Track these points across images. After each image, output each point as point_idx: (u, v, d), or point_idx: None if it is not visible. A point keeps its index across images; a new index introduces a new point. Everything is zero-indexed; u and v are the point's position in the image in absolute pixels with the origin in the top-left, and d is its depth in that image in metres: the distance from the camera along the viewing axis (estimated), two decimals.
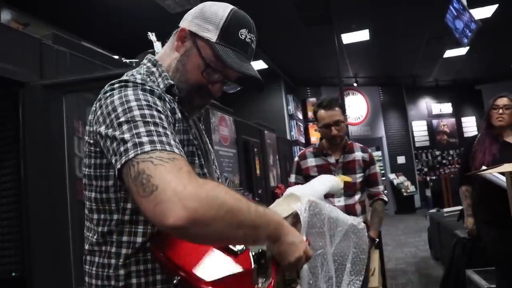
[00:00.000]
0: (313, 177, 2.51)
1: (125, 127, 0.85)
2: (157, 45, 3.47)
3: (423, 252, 6.53)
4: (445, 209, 5.41)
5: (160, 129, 0.86)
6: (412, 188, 12.30)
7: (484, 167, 2.64)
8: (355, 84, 12.11)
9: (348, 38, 8.45)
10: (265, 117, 8.90)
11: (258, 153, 6.23)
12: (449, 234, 4.03)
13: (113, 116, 0.89)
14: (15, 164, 2.34)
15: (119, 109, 0.89)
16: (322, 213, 1.36)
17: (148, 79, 1.05)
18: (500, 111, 2.89)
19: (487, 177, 2.53)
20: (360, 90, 12.76)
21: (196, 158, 1.06)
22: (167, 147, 0.82)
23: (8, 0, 5.56)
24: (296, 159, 2.70)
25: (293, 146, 9.83)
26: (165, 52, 1.15)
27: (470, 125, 14.35)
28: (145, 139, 0.82)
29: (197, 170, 1.05)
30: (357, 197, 2.50)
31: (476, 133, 11.49)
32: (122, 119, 0.87)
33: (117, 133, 0.86)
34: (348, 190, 2.46)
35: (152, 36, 3.54)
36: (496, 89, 13.31)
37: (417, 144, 13.80)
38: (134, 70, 1.10)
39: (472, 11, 6.80)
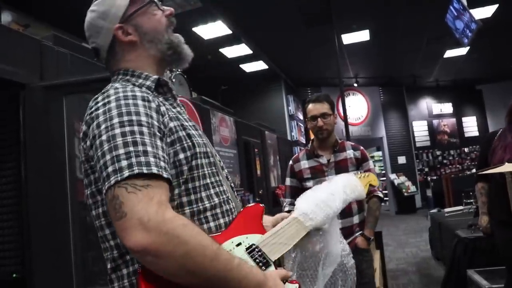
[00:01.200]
0: (307, 179, 2.52)
1: (106, 147, 0.89)
2: None
3: (424, 252, 6.53)
4: (446, 209, 5.41)
5: (140, 147, 0.88)
6: (413, 188, 12.29)
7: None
8: (355, 85, 12.11)
9: (349, 38, 8.46)
10: (265, 117, 8.89)
11: (258, 153, 6.23)
12: (450, 234, 4.02)
13: (96, 133, 0.92)
14: (15, 166, 2.33)
15: (102, 127, 0.92)
16: (317, 254, 1.29)
17: (127, 85, 1.06)
18: None
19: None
20: (361, 91, 12.76)
21: (193, 139, 1.05)
22: (145, 169, 0.86)
23: (8, 2, 5.56)
24: (290, 162, 2.71)
25: (293, 147, 9.82)
26: (124, 64, 1.15)
27: (470, 125, 14.35)
28: (124, 163, 0.86)
29: (198, 149, 1.04)
30: None
31: (477, 133, 11.40)
32: (103, 137, 0.90)
33: (99, 153, 0.90)
34: None
35: None
36: (497, 89, 13.39)
37: (417, 144, 13.79)
38: (110, 84, 1.10)
39: (472, 11, 6.80)
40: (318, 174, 2.53)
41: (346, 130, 6.78)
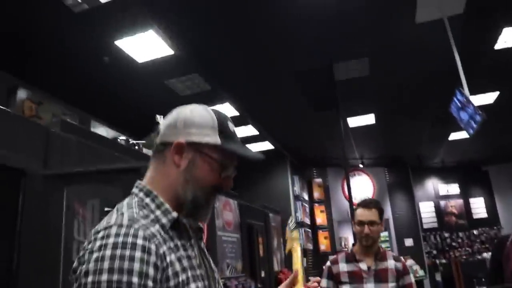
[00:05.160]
0: (344, 283, 2.49)
1: None
2: None
3: None
4: None
5: None
6: (421, 273, 11.83)
7: None
8: (361, 165, 12.12)
9: (354, 121, 8.60)
10: (270, 198, 8.83)
11: (262, 237, 6.10)
12: None
13: (83, 282, 0.87)
14: (8, 251, 2.24)
15: (89, 279, 0.86)
16: None
17: (141, 214, 1.00)
18: None
19: None
20: (366, 171, 12.74)
21: None
22: None
23: (22, 78, 5.76)
24: (328, 264, 2.68)
25: (298, 228, 9.62)
26: (156, 175, 1.10)
27: (478, 206, 14.11)
28: None
29: None
30: None
31: (485, 215, 11.26)
32: None
33: None
34: None
35: (160, 119, 3.58)
36: (503, 170, 13.38)
37: (425, 226, 13.50)
38: (125, 202, 1.05)
39: (475, 97, 6.99)
40: (357, 280, 2.49)
41: (351, 211, 6.67)
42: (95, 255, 0.88)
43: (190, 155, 1.07)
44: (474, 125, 4.38)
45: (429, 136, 9.89)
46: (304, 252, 10.02)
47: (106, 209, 3.01)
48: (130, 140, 4.28)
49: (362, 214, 2.54)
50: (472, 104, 4.31)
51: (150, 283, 0.88)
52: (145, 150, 4.31)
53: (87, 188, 2.72)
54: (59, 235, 2.40)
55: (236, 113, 7.42)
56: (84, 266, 0.88)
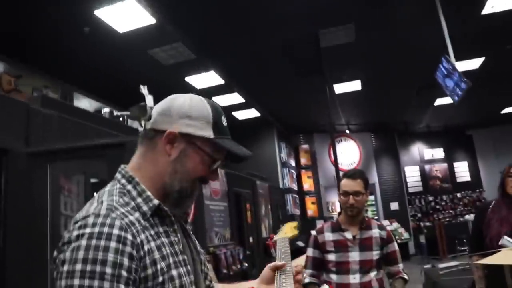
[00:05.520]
0: (330, 252, 2.52)
1: None
2: (148, 98, 3.45)
3: None
4: (440, 265, 5.27)
5: None
6: (406, 235, 12.15)
7: (505, 238, 2.54)
8: (347, 131, 12.19)
9: (340, 88, 8.57)
10: (257, 165, 8.84)
11: (249, 205, 6.15)
12: None
13: (60, 270, 0.88)
14: None
15: (65, 268, 0.87)
16: None
17: (121, 201, 0.99)
18: None
19: (504, 244, 2.43)
20: (353, 137, 12.83)
21: (185, 278, 1.01)
22: None
23: (0, 51, 5.59)
24: (314, 233, 2.69)
25: (285, 194, 9.74)
26: (143, 161, 1.08)
27: (462, 170, 14.40)
28: None
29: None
30: (372, 274, 2.45)
31: (469, 178, 11.46)
32: (63, 282, 0.87)
33: None
34: (364, 266, 2.44)
35: (144, 90, 3.53)
36: (487, 134, 13.59)
37: (410, 190, 13.78)
38: (107, 189, 1.03)
39: (461, 63, 6.99)
40: (342, 249, 2.51)
41: (337, 176, 6.75)
42: (72, 245, 0.89)
43: (182, 145, 1.06)
44: (459, 92, 4.40)
45: (415, 102, 9.94)
46: (292, 218, 10.16)
47: (92, 180, 3.01)
48: (114, 111, 4.22)
49: (347, 184, 2.55)
50: (458, 72, 4.32)
51: (124, 273, 0.88)
52: (129, 122, 4.27)
53: (72, 164, 2.71)
54: (45, 211, 2.39)
55: (222, 81, 7.35)
56: (62, 255, 0.89)
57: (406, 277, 2.54)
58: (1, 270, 2.20)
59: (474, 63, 7.73)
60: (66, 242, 0.90)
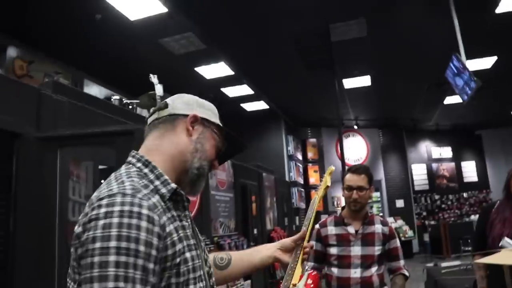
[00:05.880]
0: (332, 245, 2.54)
1: (95, 272, 0.86)
2: (158, 87, 3.48)
3: None
4: (443, 264, 5.29)
5: (129, 286, 0.86)
6: (410, 233, 12.15)
7: (505, 239, 2.55)
8: (355, 126, 12.16)
9: (350, 83, 8.55)
10: (264, 157, 8.86)
11: (255, 196, 6.17)
12: None
13: (90, 248, 0.88)
14: (4, 218, 2.28)
15: (97, 245, 0.87)
16: None
17: (141, 183, 1.02)
18: None
19: (504, 245, 2.44)
20: (360, 132, 12.80)
21: (190, 263, 1.04)
22: None
23: (14, 36, 5.64)
24: (317, 226, 2.70)
25: (291, 187, 9.76)
26: (161, 142, 1.14)
27: (469, 170, 14.33)
28: None
29: (190, 275, 1.03)
30: (373, 269, 2.46)
31: (476, 179, 11.39)
32: (95, 259, 0.86)
33: (87, 274, 0.86)
34: (366, 261, 2.45)
35: (153, 79, 3.54)
36: (496, 135, 13.51)
37: (416, 188, 13.74)
38: (123, 171, 1.06)
39: (473, 61, 6.93)
40: (344, 243, 2.53)
41: (344, 171, 6.75)
42: (101, 221, 0.89)
43: (200, 128, 1.17)
44: (469, 92, 4.38)
45: (425, 99, 9.88)
46: (297, 211, 10.19)
47: (100, 167, 3.04)
48: (123, 99, 4.25)
49: (351, 179, 2.56)
50: (468, 70, 4.29)
51: (154, 252, 0.91)
52: (139, 110, 4.29)
53: (81, 150, 2.74)
54: (54, 196, 2.43)
55: (231, 72, 7.36)
56: (91, 232, 0.89)
57: (407, 273, 2.56)
58: (11, 252, 2.25)
59: (486, 62, 7.66)
60: (93, 219, 0.91)
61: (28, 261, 2.27)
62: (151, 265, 0.91)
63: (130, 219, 0.90)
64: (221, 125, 1.23)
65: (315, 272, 1.55)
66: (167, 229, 0.97)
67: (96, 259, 0.86)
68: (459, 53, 4.62)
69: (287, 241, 1.48)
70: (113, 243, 0.87)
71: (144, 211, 0.93)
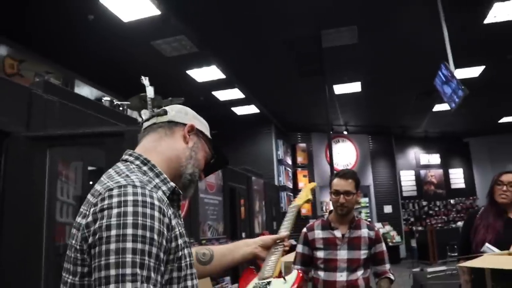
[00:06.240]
0: (319, 249, 2.56)
1: (112, 259, 0.86)
2: (149, 89, 3.49)
3: None
4: (429, 269, 5.35)
5: (145, 272, 0.87)
6: (397, 238, 12.23)
7: (486, 245, 2.60)
8: (345, 132, 12.24)
9: (340, 89, 8.61)
10: (254, 161, 8.90)
11: (244, 201, 6.19)
12: None
13: (104, 236, 0.89)
14: None
15: (113, 232, 0.88)
16: None
17: (145, 178, 1.04)
18: (504, 187, 2.74)
19: (485, 251, 2.49)
20: (350, 138, 12.89)
21: (188, 259, 1.06)
22: None
23: (4, 34, 5.61)
24: (304, 230, 2.72)
25: (280, 192, 9.79)
26: (159, 145, 1.18)
27: (457, 177, 14.49)
28: (128, 285, 0.84)
29: (188, 271, 1.05)
30: (359, 272, 2.49)
31: (463, 185, 11.50)
32: (112, 246, 0.87)
33: (102, 261, 0.87)
34: (352, 265, 2.47)
35: (145, 80, 3.55)
36: (483, 143, 13.65)
37: (404, 194, 13.85)
38: (123, 167, 1.08)
39: (461, 70, 7.04)
40: (330, 246, 2.55)
41: (332, 177, 6.78)
42: (115, 210, 0.90)
43: (195, 138, 1.25)
44: (457, 100, 4.45)
45: (414, 107, 9.99)
46: (285, 215, 10.19)
47: (89, 168, 3.04)
48: (114, 101, 4.25)
49: (338, 184, 2.58)
50: (456, 79, 4.37)
51: (164, 242, 0.94)
52: (129, 112, 4.29)
53: (71, 150, 2.74)
54: (42, 195, 2.43)
55: (223, 76, 7.38)
56: (104, 220, 0.90)
57: (392, 277, 2.58)
58: None
59: (474, 71, 7.78)
60: (106, 208, 0.92)
61: (14, 260, 2.27)
62: (161, 255, 0.93)
63: (144, 208, 0.92)
64: (209, 137, 1.32)
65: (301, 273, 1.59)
66: (173, 222, 1.00)
67: (113, 246, 0.87)
68: (448, 62, 4.70)
69: (268, 238, 1.57)
70: (129, 231, 0.88)
71: (156, 202, 0.95)
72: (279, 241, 1.56)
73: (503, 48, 6.90)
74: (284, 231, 1.62)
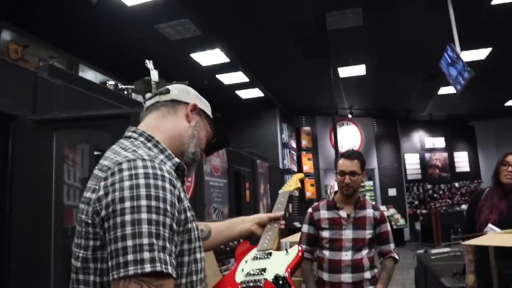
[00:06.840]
0: (324, 229, 2.59)
1: (128, 230, 0.87)
2: (153, 73, 3.49)
3: None
4: (433, 251, 5.39)
5: (160, 242, 0.88)
6: (402, 221, 12.28)
7: (489, 225, 2.62)
8: (349, 115, 12.20)
9: (345, 72, 8.57)
10: (258, 145, 8.92)
11: (249, 183, 6.22)
12: (435, 281, 4.01)
13: (118, 208, 0.89)
14: (0, 199, 2.31)
15: (127, 204, 0.89)
16: None
17: (152, 154, 1.05)
18: (510, 168, 2.76)
19: (488, 231, 2.51)
20: (355, 121, 12.85)
21: (196, 232, 1.07)
22: (162, 267, 0.87)
23: (8, 20, 5.59)
24: (310, 210, 2.75)
25: (285, 175, 9.82)
26: (162, 123, 1.19)
27: (462, 160, 14.46)
28: (146, 255, 0.85)
29: (196, 244, 1.06)
30: (364, 252, 2.52)
31: (468, 169, 11.50)
32: (127, 217, 0.88)
33: (118, 233, 0.87)
34: (356, 244, 2.50)
35: (149, 64, 3.55)
36: (489, 126, 13.58)
37: (409, 177, 13.85)
38: (127, 143, 1.08)
39: (467, 52, 6.97)
40: (336, 226, 2.57)
41: (337, 160, 6.80)
42: (127, 183, 0.91)
43: (197, 117, 1.27)
44: (462, 82, 4.42)
45: (419, 90, 9.93)
46: (290, 198, 10.24)
47: (95, 153, 3.07)
48: (119, 85, 4.25)
49: (344, 164, 2.61)
50: (462, 61, 4.33)
51: (176, 213, 0.96)
52: (134, 96, 4.30)
53: (77, 133, 2.76)
54: (50, 179, 2.45)
55: (227, 60, 7.36)
56: (116, 193, 0.90)
57: (396, 256, 2.62)
58: (7, 233, 2.28)
59: (480, 54, 7.69)
60: (117, 182, 0.92)
61: (24, 242, 2.30)
62: (174, 225, 0.94)
63: (155, 180, 0.93)
64: (211, 117, 1.33)
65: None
66: (181, 195, 1.01)
67: (128, 217, 0.88)
68: (454, 44, 4.66)
69: (264, 216, 1.61)
70: (143, 202, 0.89)
71: (166, 174, 0.97)
72: (274, 220, 1.60)
73: (511, 30, 6.81)
74: (278, 211, 1.66)
